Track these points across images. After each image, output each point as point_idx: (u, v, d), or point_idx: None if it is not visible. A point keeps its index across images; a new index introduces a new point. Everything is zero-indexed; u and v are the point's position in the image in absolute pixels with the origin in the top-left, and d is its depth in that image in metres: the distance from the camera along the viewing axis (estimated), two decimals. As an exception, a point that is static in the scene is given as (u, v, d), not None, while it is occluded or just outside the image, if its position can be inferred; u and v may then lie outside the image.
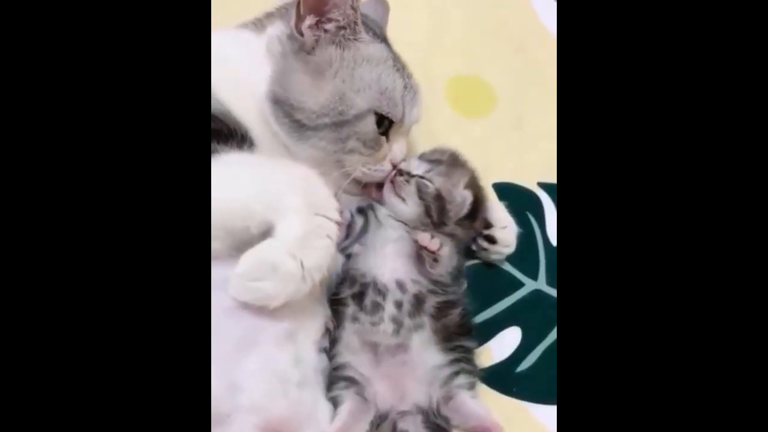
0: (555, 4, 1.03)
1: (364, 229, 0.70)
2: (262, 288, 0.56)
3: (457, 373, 0.64)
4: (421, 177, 0.69)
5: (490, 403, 0.67)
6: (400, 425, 0.63)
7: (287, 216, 0.57)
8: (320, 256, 0.57)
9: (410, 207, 0.68)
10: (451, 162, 0.72)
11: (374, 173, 0.70)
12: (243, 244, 0.57)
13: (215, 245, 0.57)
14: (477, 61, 0.96)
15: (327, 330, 0.66)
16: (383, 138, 0.70)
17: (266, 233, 0.57)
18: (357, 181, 0.71)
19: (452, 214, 0.69)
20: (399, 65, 0.71)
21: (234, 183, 0.57)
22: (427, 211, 0.68)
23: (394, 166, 0.71)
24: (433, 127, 0.87)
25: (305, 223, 0.57)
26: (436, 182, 0.69)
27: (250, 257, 0.55)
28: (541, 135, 0.89)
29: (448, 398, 0.63)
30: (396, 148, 0.71)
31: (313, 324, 0.64)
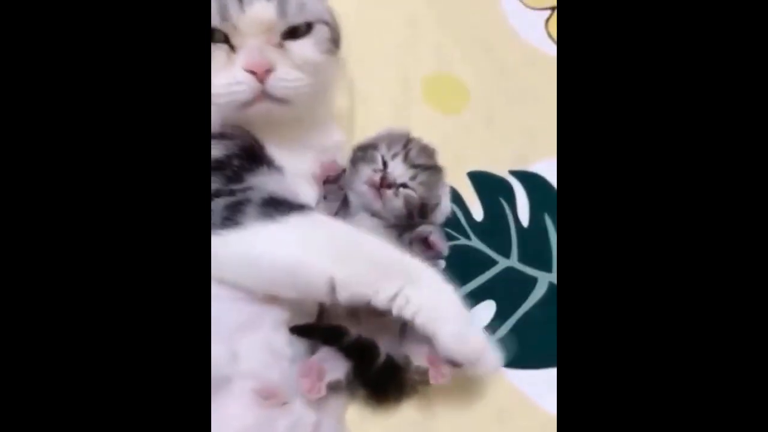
0: (522, 6, 1.11)
1: (344, 203, 0.74)
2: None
3: None
4: (406, 186, 0.73)
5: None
6: None
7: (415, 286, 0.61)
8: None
9: (393, 213, 0.73)
10: (433, 167, 0.78)
11: (232, 88, 0.63)
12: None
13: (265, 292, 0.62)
14: (450, 61, 1.03)
15: (319, 312, 0.71)
16: (218, 44, 0.63)
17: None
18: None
19: (429, 212, 0.75)
20: None
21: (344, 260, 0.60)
22: (409, 215, 0.74)
23: (253, 72, 0.63)
24: (410, 122, 0.93)
25: (429, 287, 0.63)
26: (419, 190, 0.74)
27: (451, 341, 0.61)
28: (511, 129, 0.96)
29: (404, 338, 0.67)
30: (242, 53, 0.63)
31: (309, 311, 0.68)
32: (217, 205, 0.60)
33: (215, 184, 0.62)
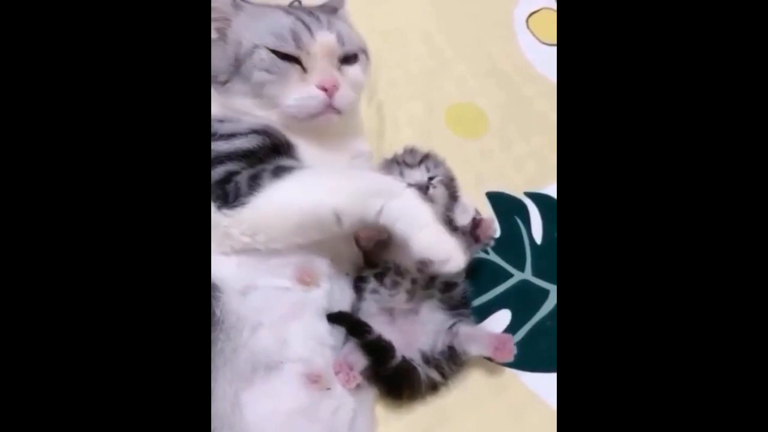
0: (537, 42, 1.20)
1: None
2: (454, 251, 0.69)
3: (457, 320, 0.78)
4: (431, 182, 0.81)
5: (483, 370, 0.81)
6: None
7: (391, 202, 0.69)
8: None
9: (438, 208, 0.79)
10: (426, 155, 0.85)
11: (306, 101, 0.75)
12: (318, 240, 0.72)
13: (299, 241, 0.71)
14: (471, 91, 1.12)
15: (352, 309, 0.79)
16: (292, 65, 0.76)
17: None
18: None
19: (457, 189, 0.84)
20: (294, 9, 0.81)
21: (327, 190, 0.70)
22: (447, 208, 0.81)
23: (325, 89, 0.75)
24: (435, 146, 1.01)
25: (407, 200, 0.70)
26: (439, 178, 0.82)
27: (423, 243, 0.68)
28: (526, 154, 1.04)
29: (455, 334, 0.75)
30: (315, 74, 0.76)
31: (344, 303, 0.77)
32: (242, 177, 0.70)
33: (239, 166, 0.72)
